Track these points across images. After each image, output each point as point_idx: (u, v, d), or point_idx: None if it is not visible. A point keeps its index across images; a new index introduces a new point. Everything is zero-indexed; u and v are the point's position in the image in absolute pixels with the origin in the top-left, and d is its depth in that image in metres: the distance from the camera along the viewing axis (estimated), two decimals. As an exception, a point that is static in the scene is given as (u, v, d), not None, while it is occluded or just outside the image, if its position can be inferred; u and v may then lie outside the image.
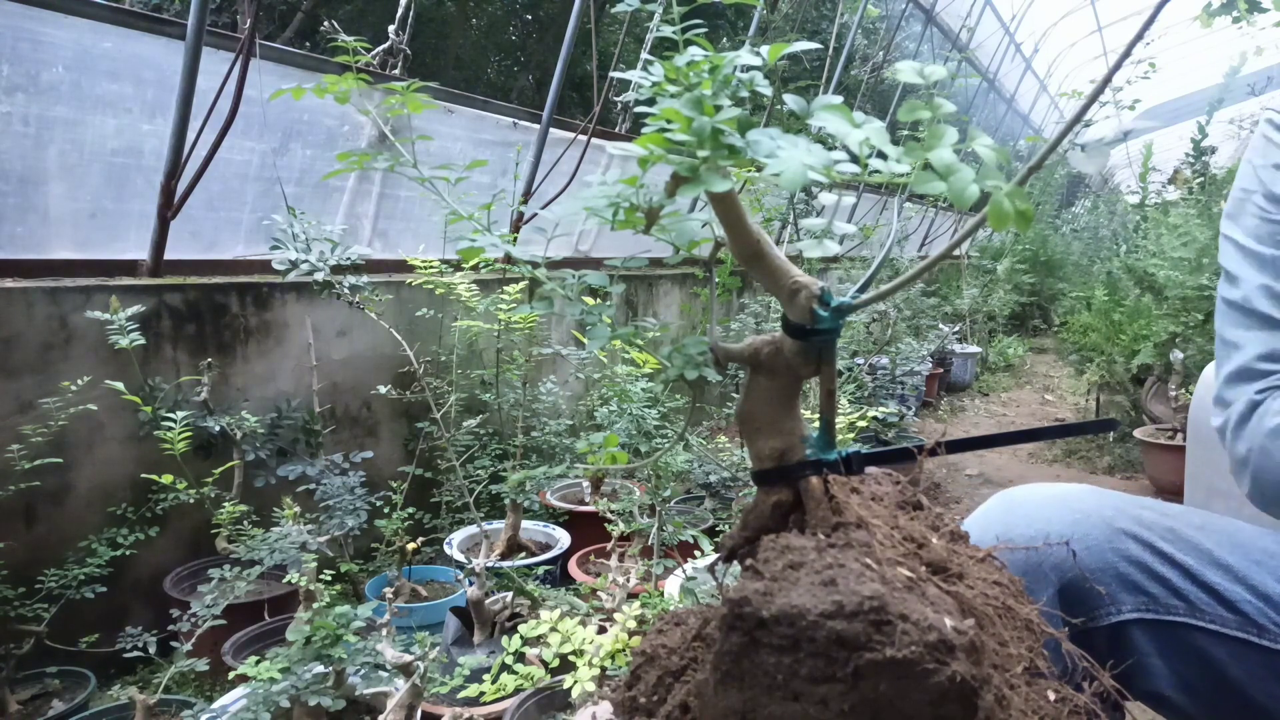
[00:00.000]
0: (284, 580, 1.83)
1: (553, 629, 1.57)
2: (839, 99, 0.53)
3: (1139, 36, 0.54)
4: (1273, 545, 0.83)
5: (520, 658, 1.59)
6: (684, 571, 2.06)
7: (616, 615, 1.62)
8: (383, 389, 2.70)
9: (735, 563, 0.65)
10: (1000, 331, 8.58)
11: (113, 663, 2.12)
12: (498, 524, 2.77)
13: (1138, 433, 4.23)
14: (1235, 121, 6.99)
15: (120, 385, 2.12)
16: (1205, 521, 0.87)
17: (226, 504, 2.23)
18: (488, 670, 1.61)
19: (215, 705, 1.65)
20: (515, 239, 0.71)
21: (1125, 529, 0.84)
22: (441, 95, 3.35)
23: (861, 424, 2.66)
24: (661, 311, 4.72)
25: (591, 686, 1.43)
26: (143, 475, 2.22)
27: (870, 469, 0.67)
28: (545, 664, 1.57)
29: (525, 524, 2.82)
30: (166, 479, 2.10)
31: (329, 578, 2.03)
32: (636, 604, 1.66)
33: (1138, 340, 4.51)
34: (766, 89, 0.56)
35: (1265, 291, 0.93)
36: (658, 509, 2.26)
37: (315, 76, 2.88)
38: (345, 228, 2.80)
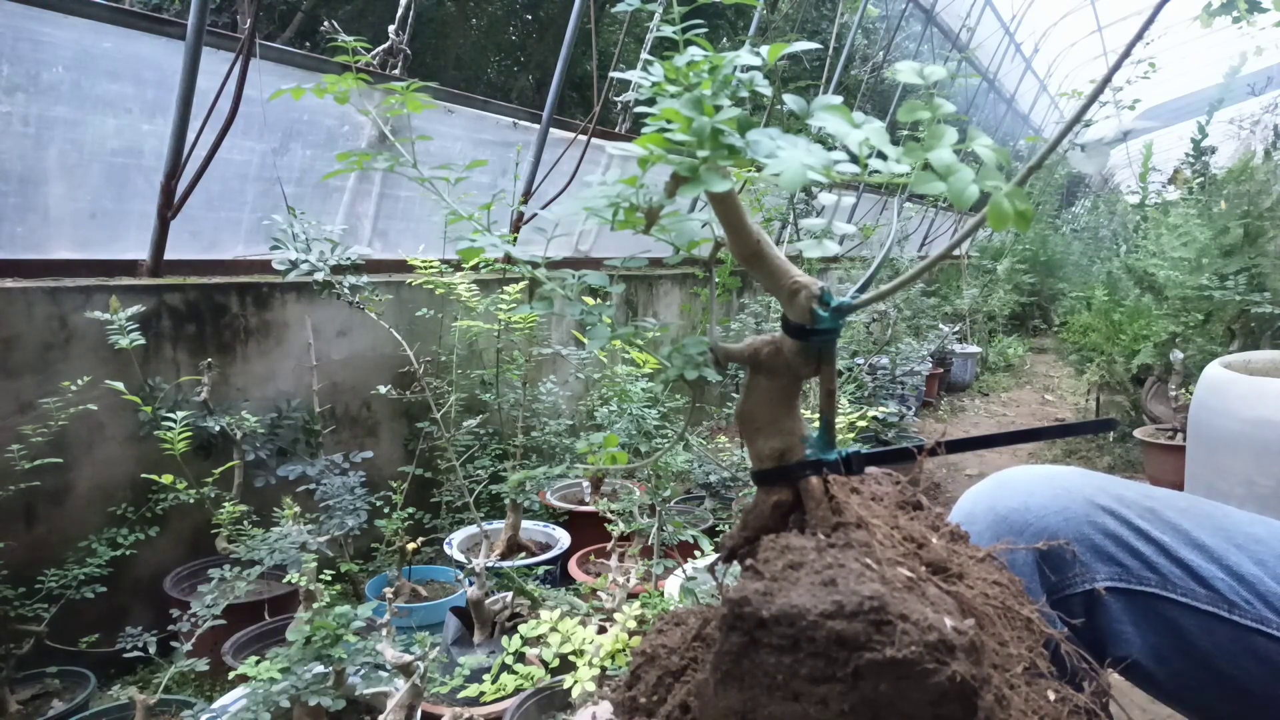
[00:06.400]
0: (284, 580, 1.83)
1: (553, 629, 1.57)
2: (839, 99, 0.53)
3: (1139, 36, 0.54)
4: (1262, 532, 0.84)
5: (520, 658, 1.59)
6: (684, 571, 2.06)
7: (616, 615, 1.62)
8: (383, 389, 2.70)
9: (735, 563, 0.65)
10: (1000, 331, 8.58)
11: (113, 663, 2.12)
12: (498, 524, 2.77)
13: (1138, 433, 4.22)
14: (1235, 121, 6.98)
15: (120, 385, 2.12)
16: (1190, 505, 0.88)
17: (226, 504, 2.23)
18: (488, 670, 1.61)
19: (215, 705, 1.65)
20: (515, 239, 0.71)
21: (1104, 505, 0.86)
22: (441, 95, 3.35)
23: (861, 424, 2.65)
24: (661, 311, 4.72)
25: (591, 686, 1.43)
26: (143, 475, 2.22)
27: (870, 469, 0.67)
28: (545, 664, 1.57)
29: (525, 524, 2.82)
30: (166, 479, 2.10)
31: (329, 578, 2.03)
32: (636, 604, 1.66)
33: (1138, 340, 4.51)
34: (766, 89, 0.56)
35: None
36: (658, 509, 2.26)
37: (315, 76, 2.88)
38: (345, 228, 2.80)
